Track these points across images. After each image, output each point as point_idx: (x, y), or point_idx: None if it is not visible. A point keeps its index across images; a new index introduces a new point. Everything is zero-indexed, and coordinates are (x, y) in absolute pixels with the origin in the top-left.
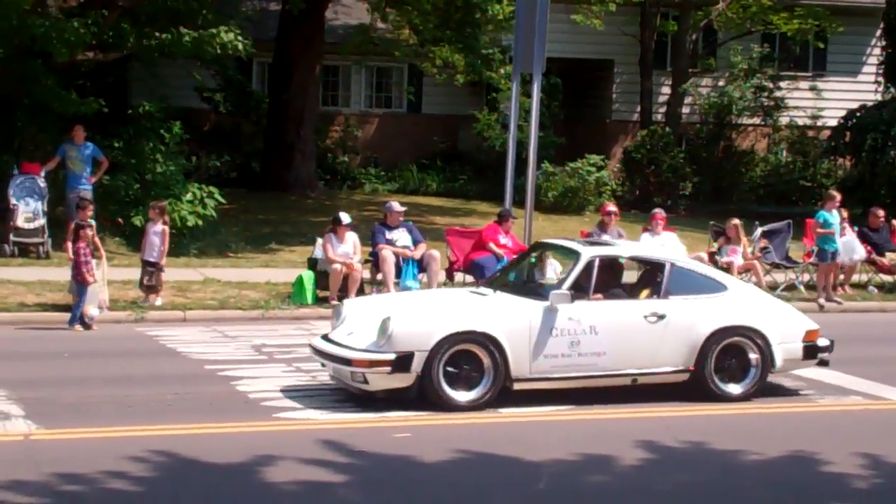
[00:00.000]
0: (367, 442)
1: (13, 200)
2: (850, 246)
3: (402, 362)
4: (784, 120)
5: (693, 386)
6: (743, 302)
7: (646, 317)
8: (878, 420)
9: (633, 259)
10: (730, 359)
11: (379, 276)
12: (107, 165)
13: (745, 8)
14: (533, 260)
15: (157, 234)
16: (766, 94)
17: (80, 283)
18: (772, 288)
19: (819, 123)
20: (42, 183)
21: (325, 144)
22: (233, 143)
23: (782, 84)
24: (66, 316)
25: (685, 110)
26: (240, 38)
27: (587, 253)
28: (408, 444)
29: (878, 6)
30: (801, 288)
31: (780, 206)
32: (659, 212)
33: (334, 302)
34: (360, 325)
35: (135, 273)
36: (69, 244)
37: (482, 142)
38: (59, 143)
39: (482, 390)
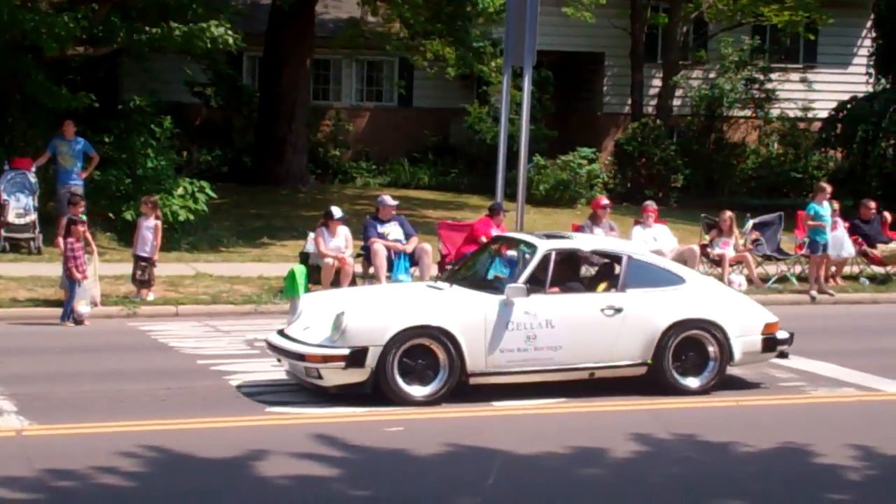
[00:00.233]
0: (360, 436)
1: (4, 196)
2: (839, 241)
3: (356, 357)
4: (775, 112)
5: (651, 379)
6: (701, 295)
7: (602, 310)
8: (871, 412)
9: (590, 252)
10: (688, 352)
11: (371, 270)
12: (98, 160)
13: (736, 0)
14: (491, 254)
15: (149, 228)
16: (756, 86)
17: (70, 279)
18: (763, 280)
19: (810, 115)
20: (33, 178)
21: (316, 138)
22: (224, 138)
23: (773, 76)
24: (58, 311)
25: (676, 103)
26: (230, 32)
27: (543, 246)
28: (400, 437)
29: None
30: (794, 280)
31: (772, 198)
32: (650, 204)
33: None
34: (315, 320)
35: (127, 268)
36: (60, 239)
37: (473, 135)
38: (50, 139)
39: (438, 385)
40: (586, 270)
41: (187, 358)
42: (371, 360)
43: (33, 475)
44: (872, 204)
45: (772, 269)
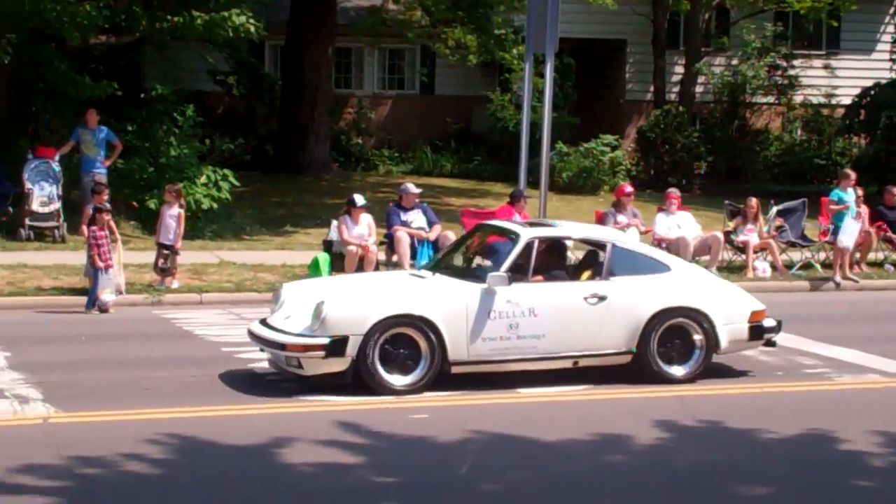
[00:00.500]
0: (385, 423)
1: (28, 185)
2: (849, 230)
3: (337, 347)
4: (798, 98)
5: (636, 368)
6: (687, 282)
7: (586, 298)
8: None
9: (573, 239)
10: (673, 340)
11: (394, 258)
12: (121, 149)
13: None
14: (477, 242)
15: (173, 217)
16: (779, 72)
17: (94, 268)
18: (788, 267)
19: (833, 102)
20: (57, 167)
21: (338, 126)
22: (246, 126)
23: (796, 62)
24: (83, 299)
25: (699, 89)
26: (252, 20)
27: (526, 234)
28: (425, 425)
29: None
30: (818, 266)
31: (795, 184)
32: (673, 191)
33: None
34: (297, 309)
35: (150, 256)
36: (85, 228)
37: (496, 123)
38: (73, 127)
39: (419, 374)
40: (575, 259)
41: (211, 345)
42: (351, 349)
43: (60, 462)
44: None
45: (796, 255)
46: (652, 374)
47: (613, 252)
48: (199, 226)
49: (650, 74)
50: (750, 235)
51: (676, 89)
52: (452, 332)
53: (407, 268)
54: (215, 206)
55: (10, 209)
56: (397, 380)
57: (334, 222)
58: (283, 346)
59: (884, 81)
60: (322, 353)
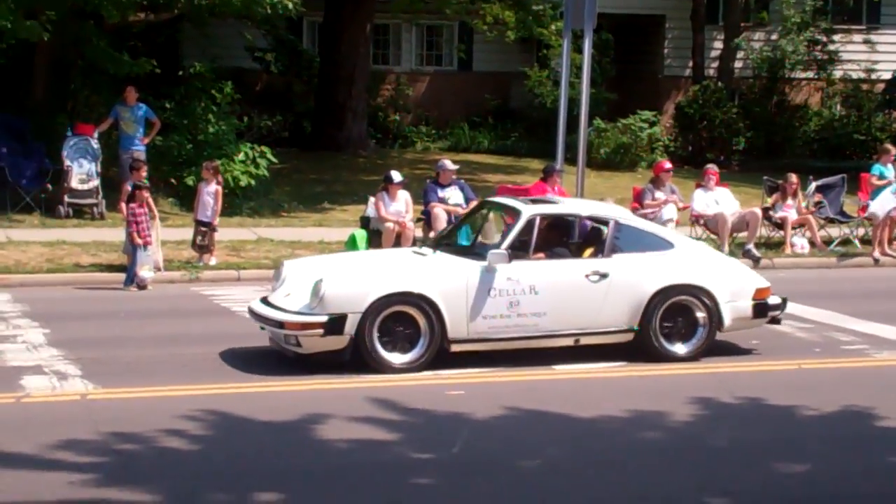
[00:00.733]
0: (421, 400)
1: (67, 162)
2: (883, 201)
3: (335, 325)
4: (838, 73)
5: (638, 346)
6: (690, 260)
7: (587, 276)
8: None
9: (575, 216)
10: (676, 318)
11: (431, 234)
12: (159, 126)
13: None
14: (480, 219)
15: (211, 194)
16: (819, 47)
17: (133, 245)
18: (826, 243)
19: (873, 77)
20: (95, 144)
21: (376, 103)
22: (284, 103)
23: (836, 37)
24: (122, 276)
25: (738, 65)
26: None
27: (528, 211)
28: (461, 401)
29: None
30: (856, 243)
31: (834, 160)
32: (712, 167)
33: None
34: (297, 286)
35: (188, 233)
36: (123, 205)
37: (533, 99)
38: (112, 105)
39: (418, 352)
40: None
41: (249, 322)
42: (350, 327)
43: (98, 438)
44: None
45: (834, 231)
46: (654, 353)
47: (616, 229)
48: (237, 203)
49: (689, 50)
50: (788, 211)
51: (715, 65)
52: (452, 310)
53: None
54: (253, 183)
55: (50, 186)
56: (396, 358)
57: (371, 199)
58: (281, 325)
59: None
60: (320, 331)
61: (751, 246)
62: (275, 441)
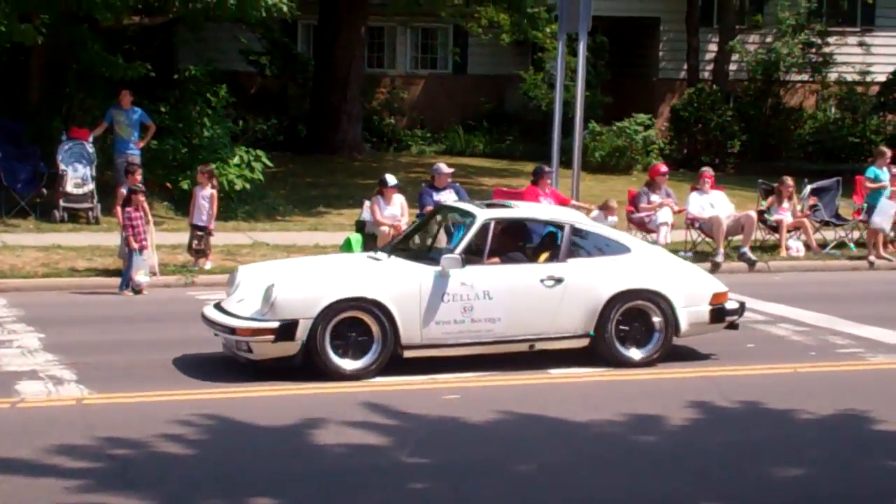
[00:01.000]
0: (416, 404)
1: (62, 166)
2: (885, 210)
3: (286, 330)
4: (832, 76)
5: (594, 351)
6: (646, 264)
7: (542, 281)
8: None
9: (530, 221)
10: (632, 323)
11: None
12: (154, 130)
13: None
14: (435, 224)
15: (206, 198)
16: (814, 50)
17: (129, 249)
18: (822, 246)
19: (868, 79)
20: (90, 148)
21: (371, 106)
22: (279, 107)
23: (830, 40)
24: (117, 280)
25: (733, 67)
26: (284, 0)
27: (482, 216)
28: (456, 405)
29: None
30: (852, 246)
31: (829, 163)
32: (707, 170)
33: None
34: (250, 292)
35: (184, 237)
36: (119, 209)
37: (528, 102)
38: (107, 108)
39: (371, 358)
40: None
41: None
42: (301, 332)
43: (93, 443)
44: None
45: (830, 234)
46: (609, 358)
47: (572, 233)
48: (233, 207)
49: (684, 53)
50: (784, 214)
51: (710, 67)
52: (405, 316)
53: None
54: (248, 186)
55: (45, 191)
56: (348, 364)
57: (367, 203)
58: (232, 330)
59: None
60: (271, 336)
61: (746, 249)
62: (271, 446)
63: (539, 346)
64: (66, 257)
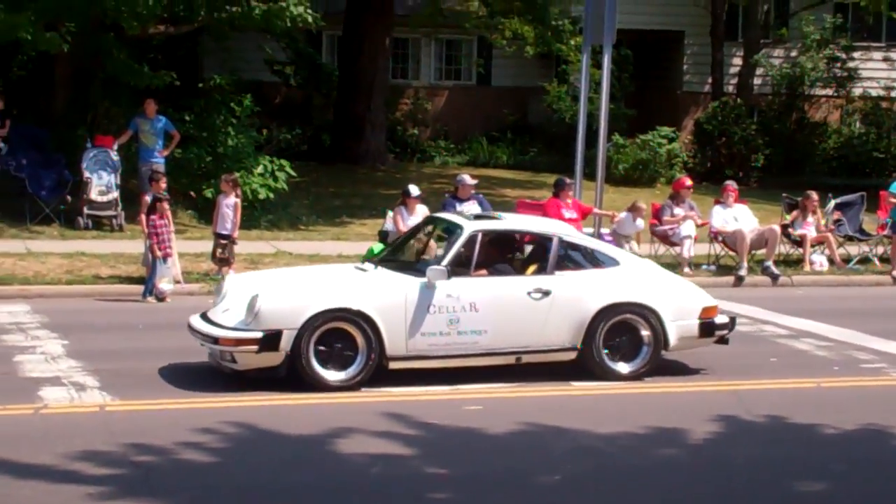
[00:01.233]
0: (438, 414)
1: (86, 174)
2: None
3: (270, 341)
4: (857, 91)
5: (582, 365)
6: (635, 277)
7: (529, 293)
8: None
9: (518, 233)
10: (620, 336)
11: None
12: (178, 138)
13: None
14: (425, 235)
15: (230, 206)
16: (838, 64)
17: (153, 257)
18: (845, 261)
19: (893, 94)
20: (115, 156)
21: (394, 117)
22: (303, 116)
23: (855, 55)
24: (140, 288)
25: (757, 81)
26: (309, 10)
27: (470, 227)
28: (478, 416)
29: None
30: (876, 260)
31: (854, 178)
32: (731, 184)
33: None
34: (236, 302)
35: (207, 246)
36: (143, 217)
37: (552, 114)
38: (132, 117)
39: (356, 369)
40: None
41: None
42: (285, 343)
43: (116, 450)
44: None
45: (853, 249)
46: (597, 372)
47: (560, 246)
48: (256, 216)
49: (708, 66)
50: (807, 229)
51: (734, 81)
52: (390, 327)
53: None
54: (272, 196)
55: (69, 198)
56: (332, 375)
57: (390, 213)
58: (216, 340)
59: None
60: (255, 347)
61: (770, 263)
62: (293, 454)
63: (526, 359)
64: (89, 264)
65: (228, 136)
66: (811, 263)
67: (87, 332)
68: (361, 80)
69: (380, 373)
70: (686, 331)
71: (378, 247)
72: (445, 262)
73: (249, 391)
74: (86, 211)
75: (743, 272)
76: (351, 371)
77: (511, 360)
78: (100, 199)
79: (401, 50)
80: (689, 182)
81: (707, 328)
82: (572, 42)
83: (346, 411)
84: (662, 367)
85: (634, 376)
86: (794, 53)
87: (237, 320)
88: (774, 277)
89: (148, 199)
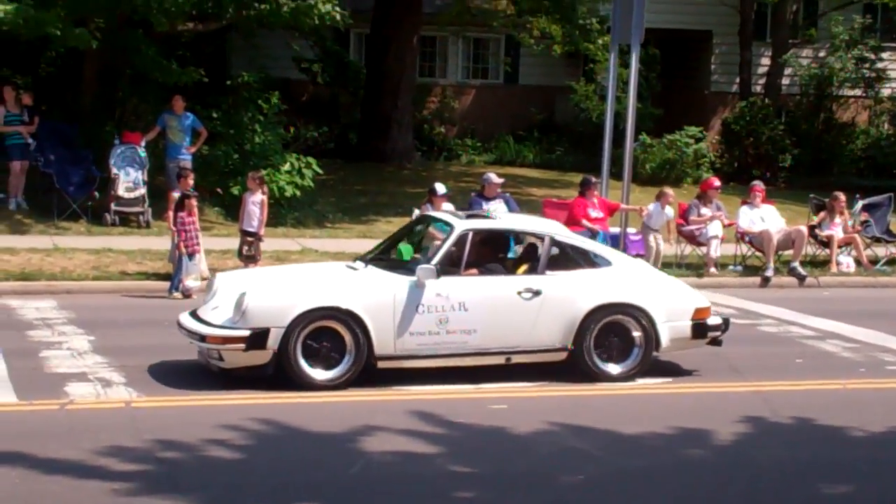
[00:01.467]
0: (464, 413)
1: (114, 170)
2: None
3: (257, 339)
4: (886, 91)
5: (572, 365)
6: (627, 278)
7: (520, 293)
8: None
9: (510, 232)
10: (611, 337)
11: None
12: (206, 135)
13: None
14: (418, 234)
15: (256, 204)
16: (867, 65)
17: (180, 253)
18: (872, 262)
19: None
20: (142, 153)
21: (422, 115)
22: (330, 114)
23: (884, 55)
24: (166, 284)
25: (785, 82)
26: (337, 8)
27: (460, 226)
28: (504, 415)
29: None
30: None
31: (881, 179)
32: (758, 184)
33: None
34: (225, 300)
35: (234, 243)
36: (170, 213)
37: (579, 113)
38: (159, 113)
39: (343, 368)
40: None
41: None
42: (273, 341)
43: (141, 446)
44: None
45: (881, 251)
46: (587, 372)
47: (551, 245)
48: (282, 213)
49: (736, 66)
50: (835, 230)
51: (762, 81)
52: (379, 326)
53: None
54: (298, 193)
55: (97, 194)
56: (320, 374)
57: (416, 211)
58: (203, 338)
59: None
60: (242, 345)
61: (796, 264)
62: (317, 452)
63: (516, 359)
64: (116, 260)
65: (256, 134)
66: (838, 264)
67: (113, 328)
68: (389, 79)
69: (367, 372)
70: (678, 332)
71: (406, 246)
72: (435, 261)
73: (274, 389)
74: (113, 207)
75: (769, 273)
76: (339, 370)
77: (501, 360)
78: (127, 195)
79: (428, 48)
80: (717, 183)
81: (700, 329)
82: (600, 41)
83: (370, 409)
84: (689, 366)
85: (625, 377)
86: (822, 54)
87: (226, 318)
88: (801, 278)
89: (175, 195)
